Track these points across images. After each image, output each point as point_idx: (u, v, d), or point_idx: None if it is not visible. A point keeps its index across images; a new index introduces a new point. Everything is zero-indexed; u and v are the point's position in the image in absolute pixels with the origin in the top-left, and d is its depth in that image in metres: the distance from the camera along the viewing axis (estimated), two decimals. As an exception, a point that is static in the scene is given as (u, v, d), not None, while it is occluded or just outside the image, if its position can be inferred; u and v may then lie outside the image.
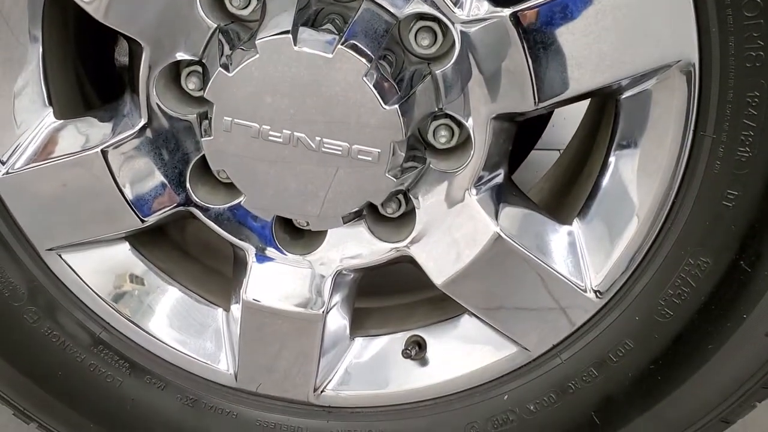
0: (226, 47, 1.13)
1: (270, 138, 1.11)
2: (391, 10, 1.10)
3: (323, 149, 1.11)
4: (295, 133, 1.10)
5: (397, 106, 1.08)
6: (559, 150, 2.56)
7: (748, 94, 1.05)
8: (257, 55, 1.06)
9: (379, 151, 1.11)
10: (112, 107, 1.26)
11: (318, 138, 1.10)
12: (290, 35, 1.05)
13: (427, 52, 1.13)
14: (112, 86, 1.40)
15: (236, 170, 1.15)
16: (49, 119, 1.27)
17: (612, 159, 1.20)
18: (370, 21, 1.10)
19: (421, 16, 1.11)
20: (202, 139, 1.16)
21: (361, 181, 1.13)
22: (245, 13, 1.15)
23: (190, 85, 1.20)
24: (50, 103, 1.27)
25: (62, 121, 1.27)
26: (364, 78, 1.06)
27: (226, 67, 1.09)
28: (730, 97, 1.06)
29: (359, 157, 1.11)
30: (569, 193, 1.38)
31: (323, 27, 1.12)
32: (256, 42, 1.06)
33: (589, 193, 1.25)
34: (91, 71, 1.37)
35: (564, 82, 1.09)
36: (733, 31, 1.02)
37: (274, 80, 1.07)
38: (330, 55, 1.05)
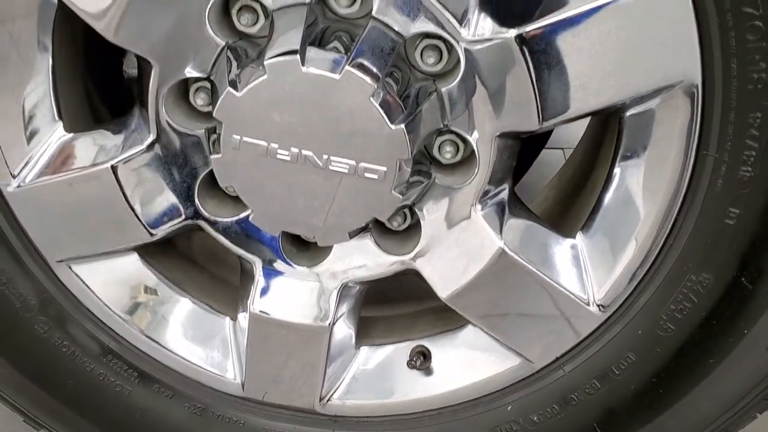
0: (235, 64, 1.15)
1: (278, 156, 1.12)
2: (397, 28, 1.11)
3: (330, 167, 1.12)
4: (303, 151, 1.12)
5: (403, 125, 1.09)
6: (563, 149, 2.57)
7: (750, 115, 1.06)
8: (265, 76, 1.07)
9: (386, 168, 1.12)
10: (121, 122, 1.28)
11: (325, 156, 1.12)
12: (298, 56, 1.06)
13: (432, 70, 1.14)
14: (121, 98, 1.41)
15: (244, 187, 1.17)
16: (59, 133, 1.28)
17: (615, 175, 1.21)
18: (377, 39, 1.11)
19: (427, 35, 1.12)
20: (211, 156, 1.17)
21: (368, 197, 1.14)
22: (253, 30, 1.16)
23: (199, 101, 1.21)
24: (60, 117, 1.29)
25: (72, 134, 1.29)
26: (371, 98, 1.07)
27: (234, 86, 1.10)
28: (732, 118, 1.07)
29: (366, 174, 1.12)
30: (573, 206, 1.39)
31: (330, 45, 1.13)
32: (265, 62, 1.07)
33: (592, 207, 1.26)
34: (99, 83, 1.39)
35: (568, 102, 1.10)
36: (735, 53, 1.03)
37: (282, 100, 1.09)
38: (337, 77, 1.07)
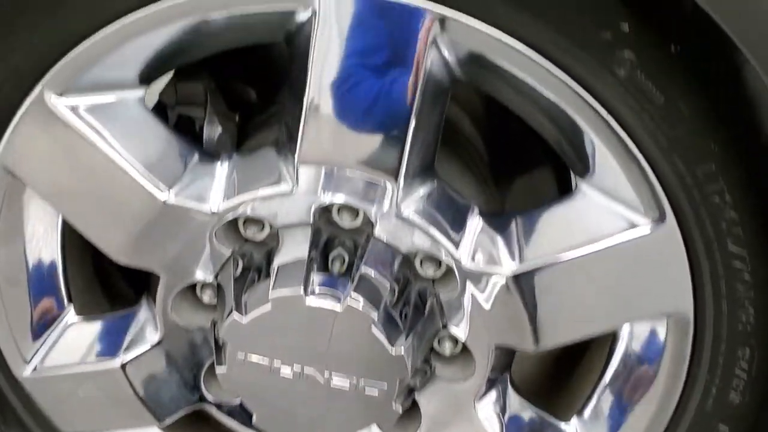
0: (241, 265, 1.18)
1: (281, 374, 1.16)
2: (397, 246, 1.15)
3: (331, 384, 1.16)
4: (305, 369, 1.15)
5: (403, 348, 1.12)
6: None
7: (740, 349, 1.10)
8: (269, 307, 1.11)
9: (386, 386, 1.15)
10: (129, 315, 1.31)
11: (327, 374, 1.15)
12: (302, 290, 1.10)
13: (431, 276, 1.18)
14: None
15: (248, 396, 1.21)
16: (70, 317, 1.32)
17: (609, 374, 1.25)
18: (377, 257, 1.15)
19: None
20: (217, 369, 1.20)
21: (369, 410, 1.18)
22: (259, 238, 1.19)
23: (205, 297, 1.24)
24: (70, 301, 1.33)
25: (82, 317, 1.33)
26: (372, 327, 1.11)
27: (239, 310, 1.13)
28: (723, 350, 1.11)
29: (366, 392, 1.16)
30: (568, 383, 1.42)
31: (335, 251, 1.16)
32: (270, 297, 1.10)
33: (587, 396, 1.30)
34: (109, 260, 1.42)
35: (562, 329, 1.14)
36: (726, 297, 1.07)
37: (286, 326, 1.12)
38: (340, 308, 1.10)
